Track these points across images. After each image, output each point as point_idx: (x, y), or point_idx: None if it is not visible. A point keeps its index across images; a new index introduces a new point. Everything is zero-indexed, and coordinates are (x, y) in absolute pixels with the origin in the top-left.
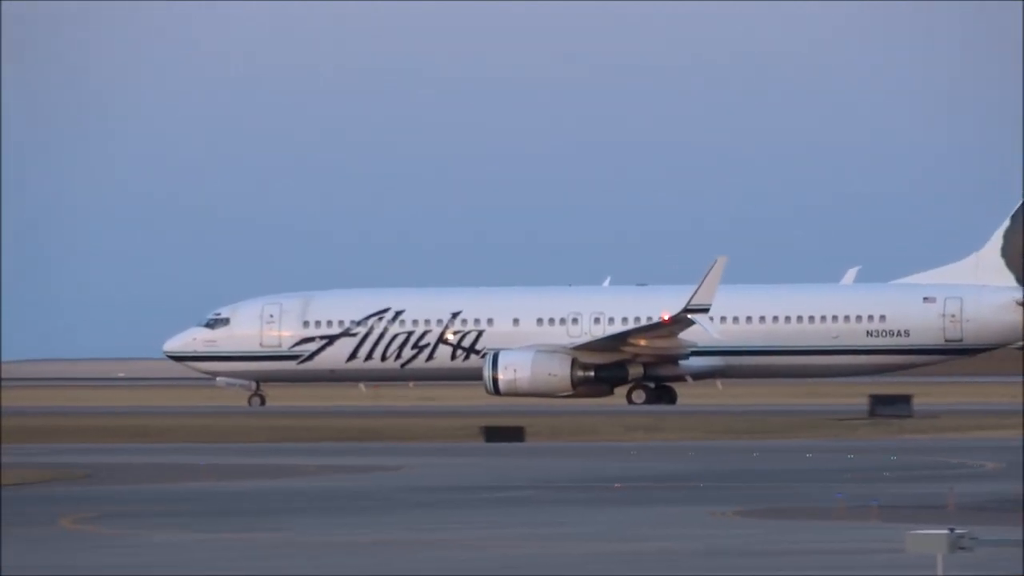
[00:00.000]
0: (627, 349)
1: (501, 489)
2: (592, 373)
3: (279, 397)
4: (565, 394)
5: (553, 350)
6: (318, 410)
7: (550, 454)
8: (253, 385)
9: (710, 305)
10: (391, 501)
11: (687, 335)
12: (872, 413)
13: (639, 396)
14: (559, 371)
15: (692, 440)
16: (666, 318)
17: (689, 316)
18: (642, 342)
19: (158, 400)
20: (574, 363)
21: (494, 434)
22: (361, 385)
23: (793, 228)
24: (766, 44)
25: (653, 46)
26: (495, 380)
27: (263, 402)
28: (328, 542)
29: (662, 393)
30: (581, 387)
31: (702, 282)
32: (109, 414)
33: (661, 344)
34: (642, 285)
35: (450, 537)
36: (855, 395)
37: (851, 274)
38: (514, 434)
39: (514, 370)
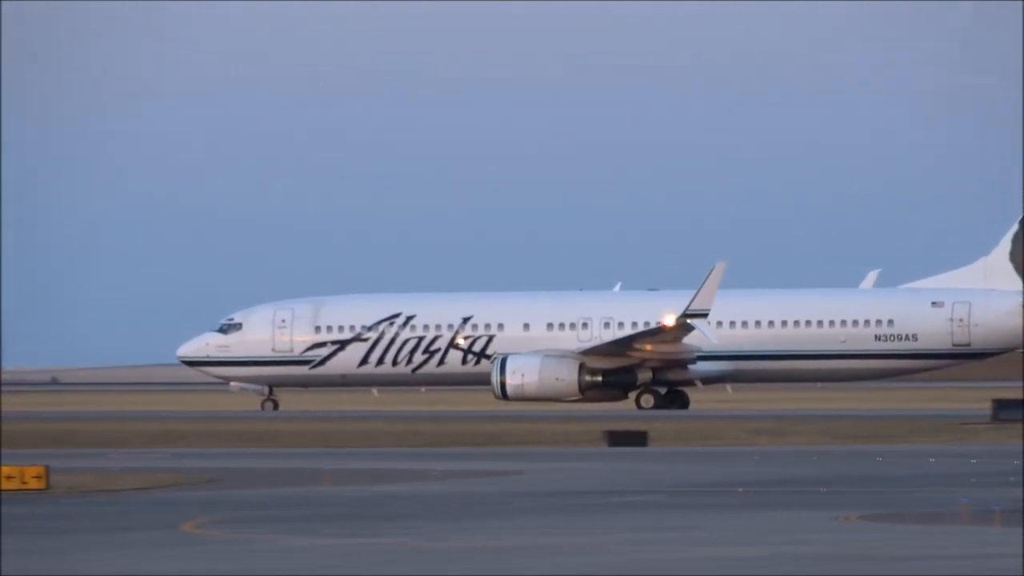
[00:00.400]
0: (634, 354)
1: (623, 494)
2: (600, 378)
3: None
4: (573, 398)
5: (561, 355)
6: (441, 414)
7: (673, 459)
8: (266, 390)
9: (709, 310)
10: (514, 506)
11: (692, 340)
12: (995, 417)
13: (647, 401)
14: (567, 376)
15: (816, 444)
16: (666, 323)
17: (689, 321)
18: (648, 347)
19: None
20: (582, 368)
21: (617, 438)
22: (374, 390)
23: (800, 231)
24: (769, 44)
25: (655, 46)
26: (503, 384)
27: (276, 407)
28: (453, 547)
29: (674, 397)
30: (591, 392)
31: (701, 287)
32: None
33: (666, 349)
34: (653, 290)
35: (573, 542)
36: (978, 400)
37: (871, 277)
38: (637, 439)
39: (522, 375)
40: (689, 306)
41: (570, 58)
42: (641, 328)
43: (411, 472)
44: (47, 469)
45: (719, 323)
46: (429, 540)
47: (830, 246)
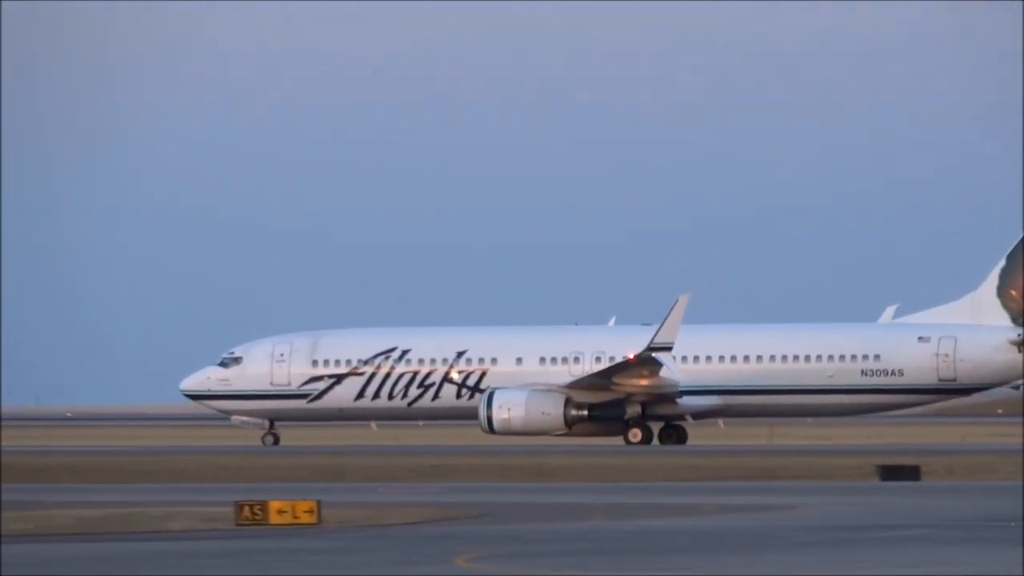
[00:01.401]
0: (618, 388)
1: (896, 528)
2: (585, 412)
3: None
4: (559, 432)
5: (548, 389)
6: (715, 448)
7: (946, 493)
8: (267, 424)
9: (673, 343)
10: (788, 540)
11: (671, 375)
12: None
13: (635, 435)
14: (552, 410)
15: None
16: (631, 356)
17: (653, 355)
18: (628, 381)
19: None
20: (568, 402)
21: (890, 473)
22: (372, 424)
23: (808, 263)
24: (748, 60)
25: (652, 57)
26: (490, 419)
27: (276, 441)
28: None
29: (671, 432)
30: (583, 426)
31: (664, 321)
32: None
33: (644, 383)
34: (647, 324)
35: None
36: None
37: (889, 312)
38: (910, 473)
39: (508, 409)
40: (653, 340)
41: (559, 76)
42: None
43: (683, 507)
44: (318, 504)
45: (708, 358)
46: (699, 574)
47: (839, 280)
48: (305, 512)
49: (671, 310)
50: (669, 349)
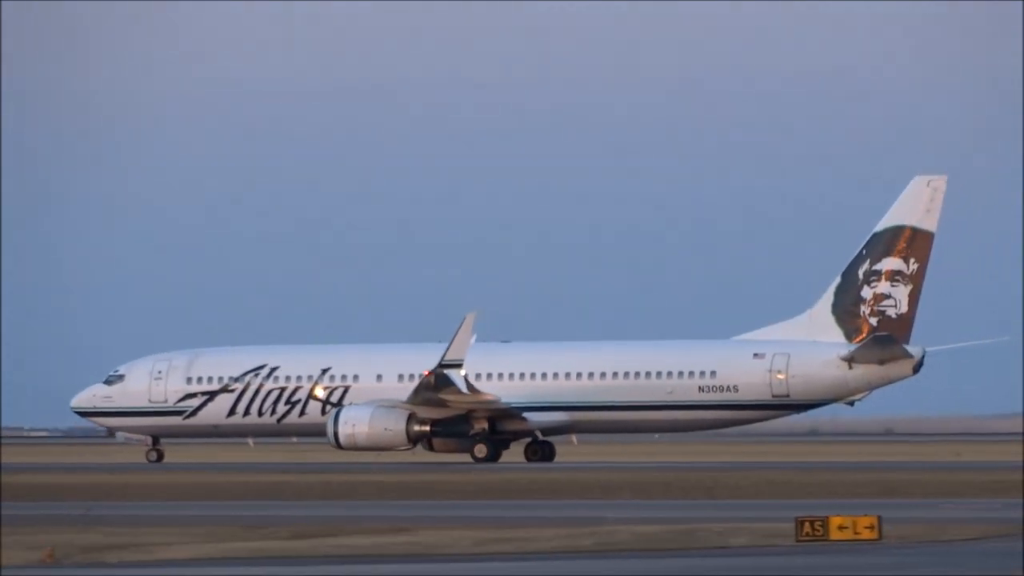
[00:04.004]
0: (455, 404)
1: None
2: (427, 427)
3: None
4: (403, 448)
5: (393, 405)
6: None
7: None
8: (149, 440)
9: (462, 360)
10: None
11: (501, 391)
12: None
13: (480, 451)
14: (394, 426)
15: None
16: (427, 373)
17: (444, 372)
18: (450, 397)
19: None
20: (411, 417)
21: None
22: (250, 440)
23: (680, 276)
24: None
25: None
26: (336, 435)
27: (160, 457)
28: None
29: (538, 448)
30: (440, 441)
31: (454, 338)
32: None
33: (461, 399)
34: (506, 342)
35: None
36: None
37: None
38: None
39: (353, 424)
40: (444, 357)
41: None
42: (486, 379)
43: None
44: (879, 519)
45: (555, 375)
46: None
47: (687, 295)
48: (866, 528)
49: (459, 327)
50: (459, 366)
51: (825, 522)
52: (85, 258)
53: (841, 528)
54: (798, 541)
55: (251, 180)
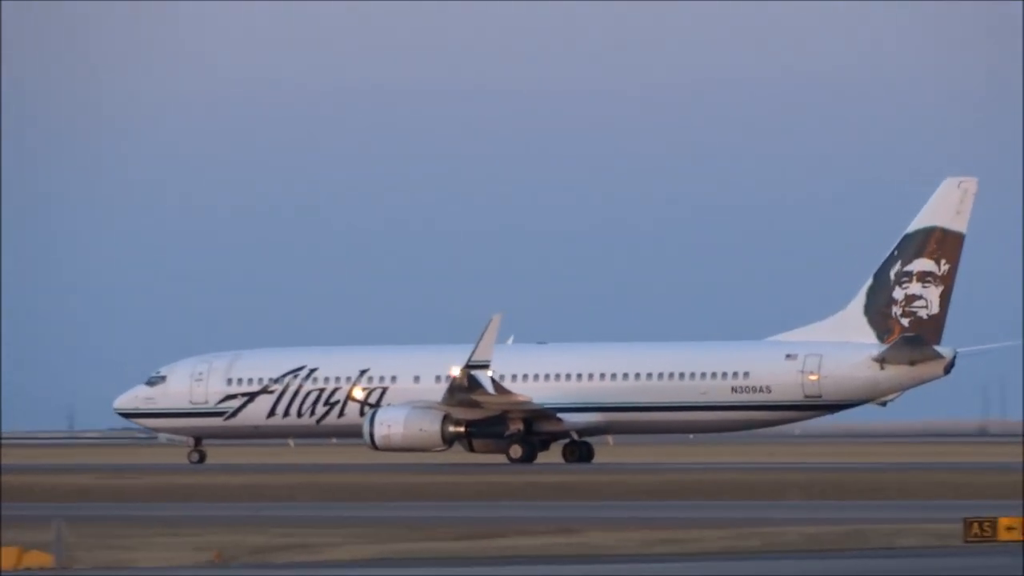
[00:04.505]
0: (488, 405)
1: None
2: (462, 428)
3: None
4: (439, 449)
5: (428, 406)
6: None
7: None
8: (191, 441)
9: (489, 361)
10: None
11: (531, 391)
12: None
13: (515, 452)
14: (429, 427)
15: None
16: (451, 375)
17: (472, 373)
18: (481, 398)
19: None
20: (446, 418)
21: None
22: (290, 441)
23: (703, 282)
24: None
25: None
26: (372, 436)
27: (202, 459)
28: None
29: (576, 449)
30: (480, 442)
31: (480, 340)
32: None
33: (491, 400)
34: (542, 343)
35: None
36: None
37: None
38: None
39: (388, 426)
40: (470, 358)
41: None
42: (521, 381)
43: None
44: None
45: (590, 376)
46: None
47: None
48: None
49: (485, 329)
50: (487, 367)
51: (994, 522)
52: (85, 258)
53: (1009, 529)
54: (966, 542)
55: (251, 180)
